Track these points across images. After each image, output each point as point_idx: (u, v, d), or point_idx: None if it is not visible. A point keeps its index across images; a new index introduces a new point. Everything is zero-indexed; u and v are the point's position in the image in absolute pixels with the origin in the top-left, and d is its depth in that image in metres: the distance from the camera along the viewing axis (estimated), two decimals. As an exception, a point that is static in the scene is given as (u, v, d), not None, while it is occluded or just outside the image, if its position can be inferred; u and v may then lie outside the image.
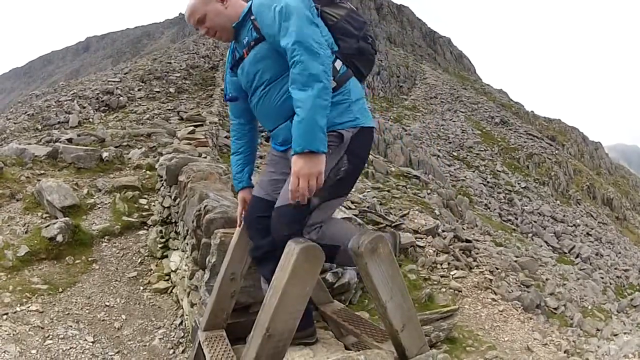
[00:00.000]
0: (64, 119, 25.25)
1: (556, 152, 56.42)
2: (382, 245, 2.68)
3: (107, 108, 28.81)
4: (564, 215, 39.51)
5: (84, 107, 27.96)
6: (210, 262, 4.82)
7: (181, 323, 7.42)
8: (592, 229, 38.98)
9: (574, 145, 68.79)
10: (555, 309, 15.12)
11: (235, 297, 4.31)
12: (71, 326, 7.07)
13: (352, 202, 15.94)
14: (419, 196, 22.31)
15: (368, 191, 18.81)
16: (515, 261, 18.13)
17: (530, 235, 32.38)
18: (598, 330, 15.03)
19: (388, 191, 20.19)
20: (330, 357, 3.02)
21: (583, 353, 12.38)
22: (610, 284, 25.83)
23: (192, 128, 17.11)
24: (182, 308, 7.52)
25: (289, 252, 2.72)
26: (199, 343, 4.31)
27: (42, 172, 13.51)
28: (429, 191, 24.63)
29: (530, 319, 13.00)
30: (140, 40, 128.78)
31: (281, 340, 2.83)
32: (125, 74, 40.09)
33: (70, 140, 17.29)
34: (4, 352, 6.12)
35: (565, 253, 30.78)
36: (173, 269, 8.52)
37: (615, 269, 30.11)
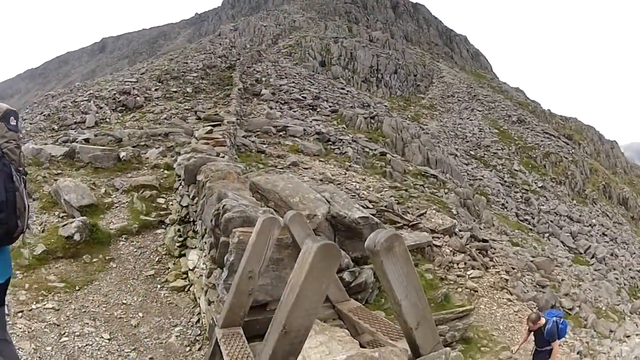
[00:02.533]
0: (81, 119, 25.52)
1: (572, 151, 55.86)
2: (398, 243, 2.71)
3: (124, 108, 29.07)
4: (580, 215, 39.11)
5: (101, 108, 28.24)
6: (229, 261, 4.89)
7: (198, 321, 7.50)
8: (608, 229, 38.52)
9: (590, 144, 68.03)
10: (570, 309, 15.00)
11: (253, 295, 4.38)
12: (87, 323, 7.17)
13: (370, 201, 15.95)
14: (437, 195, 22.24)
15: (385, 190, 18.77)
16: (532, 261, 18.00)
17: (546, 235, 32.08)
18: (611, 331, 14.87)
19: (405, 190, 20.14)
20: (341, 355, 3.04)
21: (596, 355, 12.29)
22: (625, 284, 25.51)
23: (209, 128, 17.25)
24: (199, 306, 7.60)
25: (306, 251, 2.76)
26: (216, 340, 4.38)
27: (59, 171, 13.71)
28: (446, 190, 24.53)
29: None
30: (156, 40, 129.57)
31: (297, 336, 2.87)
32: (142, 74, 40.42)
33: (87, 140, 17.50)
34: (19, 349, 6.21)
35: (581, 253, 30.44)
36: (191, 268, 8.61)
37: (630, 269, 29.76)
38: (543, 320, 9.18)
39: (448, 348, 3.15)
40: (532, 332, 9.37)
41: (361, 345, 4.31)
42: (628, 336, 14.63)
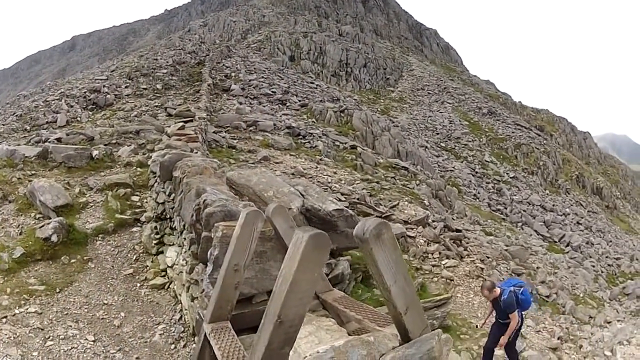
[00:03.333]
0: (52, 118, 25.06)
1: (544, 142, 56.75)
2: (386, 230, 2.77)
3: (94, 106, 28.63)
4: (553, 205, 39.76)
5: (72, 106, 27.77)
6: (213, 255, 4.90)
7: (180, 318, 7.49)
8: (582, 217, 39.24)
9: (563, 135, 69.23)
10: (547, 297, 15.26)
11: (239, 289, 4.41)
12: (71, 326, 7.11)
13: (342, 194, 16.02)
14: (408, 187, 22.42)
15: (357, 183, 18.87)
16: (506, 250, 18.28)
17: (519, 224, 32.54)
18: (591, 317, 15.15)
19: (377, 182, 20.28)
20: (339, 341, 3.09)
21: (577, 340, 12.52)
22: (602, 272, 26.03)
23: (181, 124, 17.11)
24: (181, 303, 7.59)
25: (297, 241, 2.80)
26: (205, 335, 4.39)
27: (33, 172, 13.49)
28: (417, 182, 24.74)
29: (523, 307, 13.13)
30: (126, 37, 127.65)
31: (292, 326, 2.91)
32: (112, 71, 39.85)
33: (59, 140, 17.23)
34: (6, 355, 6.15)
35: (556, 242, 30.96)
36: (169, 265, 8.58)
37: (607, 257, 30.33)
38: (498, 290, 8.31)
39: (439, 329, 3.24)
40: (492, 303, 8.58)
41: (348, 334, 4.37)
42: (609, 322, 14.91)
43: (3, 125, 25.22)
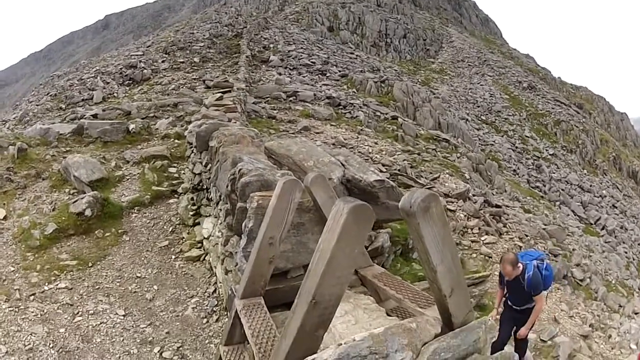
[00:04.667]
0: (88, 95, 25.23)
1: (583, 120, 55.09)
2: (435, 204, 2.50)
3: (131, 82, 28.74)
4: (590, 185, 38.61)
5: (108, 83, 27.92)
6: (247, 227, 4.69)
7: (214, 291, 7.38)
8: (618, 200, 38.02)
9: (601, 114, 67.07)
10: (581, 280, 14.78)
11: (274, 263, 4.18)
12: (101, 300, 7.06)
13: (383, 165, 15.77)
14: (449, 160, 21.99)
15: (398, 154, 18.52)
16: (544, 229, 17.78)
17: (557, 203, 31.68)
18: (620, 306, 14.65)
19: (418, 154, 19.91)
20: (377, 324, 2.86)
21: (607, 329, 12.13)
22: (634, 259, 25.20)
23: (219, 95, 16.98)
24: (216, 276, 7.48)
25: (337, 212, 2.54)
26: (236, 312, 4.21)
27: (68, 149, 13.51)
28: (458, 155, 24.27)
29: (558, 289, 12.77)
30: (160, 13, 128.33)
31: (327, 307, 2.68)
32: (147, 47, 39.95)
33: (95, 116, 17.27)
34: (31, 334, 6.11)
35: (592, 224, 30.04)
36: (205, 236, 8.47)
37: (639, 244, 29.46)
38: (521, 266, 6.55)
39: (485, 317, 2.98)
40: (506, 284, 6.76)
41: (386, 312, 4.15)
42: (637, 313, 14.45)
43: (37, 105, 25.52)
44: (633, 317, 14.05)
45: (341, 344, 2.39)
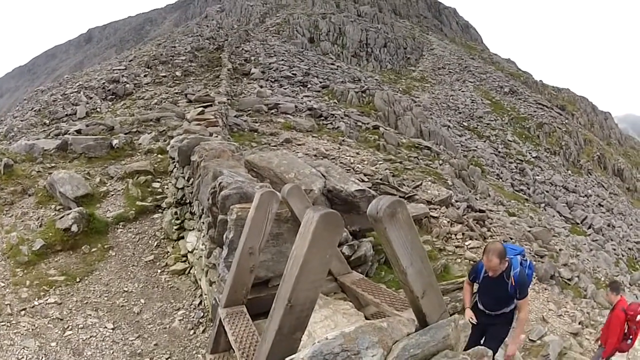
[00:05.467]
0: (72, 111, 25.22)
1: (566, 121, 55.79)
2: (401, 209, 2.64)
3: (114, 96, 28.77)
4: (575, 185, 39.16)
5: (91, 98, 27.93)
6: (228, 238, 4.83)
7: (200, 303, 7.48)
8: (604, 199, 38.57)
9: (584, 115, 67.98)
10: (569, 280, 14.97)
11: (255, 272, 4.32)
12: (90, 315, 7.14)
13: (365, 175, 15.89)
14: (431, 167, 22.19)
15: (380, 163, 18.68)
16: (529, 231, 18.02)
17: (542, 205, 32.09)
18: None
19: (400, 163, 20.08)
20: (350, 327, 2.99)
21: (597, 325, 12.30)
22: (623, 256, 25.59)
23: (201, 109, 17.07)
24: (201, 288, 7.57)
25: (308, 221, 2.69)
26: (220, 320, 4.33)
27: (53, 165, 13.54)
28: (440, 162, 24.50)
29: (545, 289, 12.93)
30: (143, 27, 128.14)
31: (303, 310, 2.82)
32: (130, 61, 40.03)
33: (79, 131, 17.29)
34: (23, 348, 6.19)
35: (578, 224, 30.48)
36: (190, 250, 8.57)
37: (627, 240, 29.87)
38: (507, 261, 5.44)
39: (456, 315, 3.11)
40: (483, 280, 5.59)
41: (366, 318, 4.28)
42: None
43: (22, 121, 25.50)
44: (625, 311, 14.25)
45: (314, 343, 2.52)
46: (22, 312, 6.99)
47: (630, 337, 8.72)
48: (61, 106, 26.67)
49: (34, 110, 27.40)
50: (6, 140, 21.31)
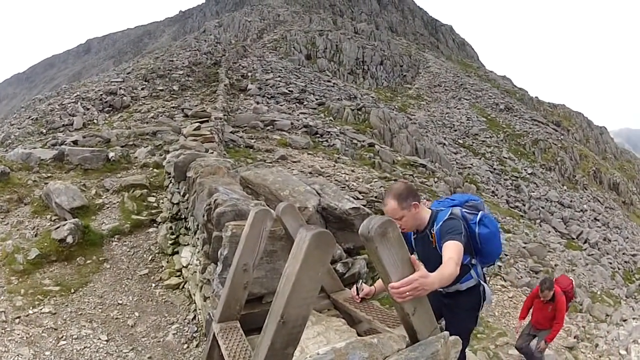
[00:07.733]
0: (69, 121, 25.34)
1: (561, 137, 56.10)
2: (391, 229, 2.71)
3: (111, 108, 28.91)
4: (571, 201, 39.32)
5: (88, 109, 28.06)
6: (223, 255, 4.88)
7: (194, 318, 7.50)
8: (600, 214, 38.74)
9: (579, 130, 68.49)
10: (565, 294, 15.07)
11: (248, 288, 4.38)
12: (84, 326, 7.14)
13: (360, 192, 15.97)
14: (426, 184, 22.32)
15: (375, 181, 18.79)
16: (524, 247, 18.12)
17: (538, 221, 32.24)
18: (607, 315, 14.98)
19: (395, 180, 20.18)
20: (341, 343, 3.04)
21: (593, 338, 12.37)
22: (619, 269, 25.69)
23: (197, 124, 17.17)
24: (195, 303, 7.60)
25: (300, 240, 2.76)
26: (214, 335, 4.37)
27: (49, 175, 13.60)
28: (435, 179, 24.65)
29: (538, 305, 12.97)
30: (141, 39, 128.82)
31: (295, 326, 2.88)
32: (127, 73, 40.19)
33: (75, 142, 17.38)
34: (18, 355, 6.20)
35: (574, 239, 30.62)
36: (184, 265, 8.59)
37: (623, 254, 29.95)
38: (428, 213, 4.20)
39: (446, 332, 3.17)
40: (415, 244, 4.37)
41: (359, 334, 4.32)
42: (625, 320, 14.75)
43: (19, 129, 25.58)
44: (622, 324, 14.33)
45: (306, 358, 2.57)
46: (17, 320, 7.00)
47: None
48: (58, 116, 26.77)
49: (32, 119, 27.48)
50: (3, 147, 21.37)
